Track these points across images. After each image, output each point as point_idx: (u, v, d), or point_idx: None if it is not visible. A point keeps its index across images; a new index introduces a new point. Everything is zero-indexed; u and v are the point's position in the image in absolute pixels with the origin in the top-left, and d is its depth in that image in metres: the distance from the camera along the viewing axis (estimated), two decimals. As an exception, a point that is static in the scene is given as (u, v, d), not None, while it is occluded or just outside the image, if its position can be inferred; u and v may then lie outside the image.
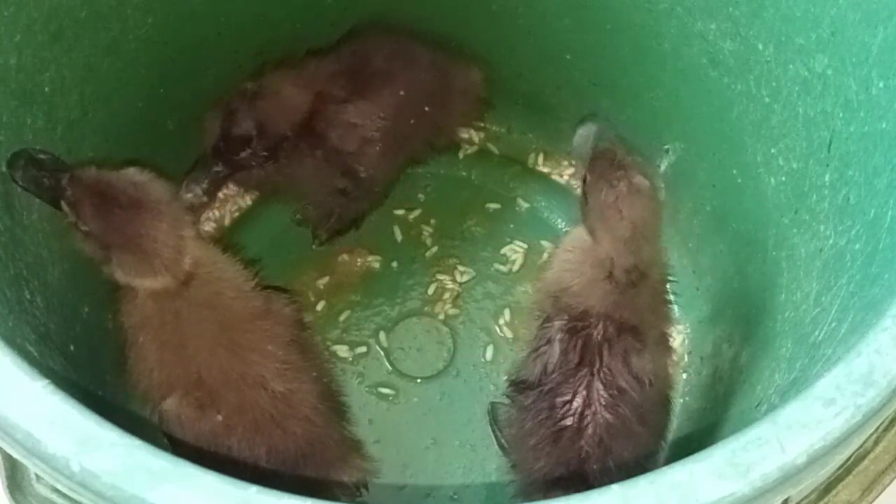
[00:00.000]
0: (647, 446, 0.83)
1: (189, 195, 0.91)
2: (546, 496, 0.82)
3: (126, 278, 0.80)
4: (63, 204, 0.78)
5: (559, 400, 0.81)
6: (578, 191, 0.83)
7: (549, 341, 0.82)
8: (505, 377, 0.91)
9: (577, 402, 0.81)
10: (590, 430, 0.81)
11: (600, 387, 0.81)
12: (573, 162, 1.08)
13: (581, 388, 0.81)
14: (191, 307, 0.81)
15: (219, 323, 0.81)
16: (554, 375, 0.82)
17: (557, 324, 0.82)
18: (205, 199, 0.94)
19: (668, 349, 0.86)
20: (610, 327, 0.81)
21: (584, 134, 0.83)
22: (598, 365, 0.81)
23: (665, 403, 0.86)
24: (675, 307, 1.01)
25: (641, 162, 0.82)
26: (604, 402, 0.81)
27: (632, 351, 0.81)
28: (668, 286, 0.87)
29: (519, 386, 0.85)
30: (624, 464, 0.81)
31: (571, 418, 0.81)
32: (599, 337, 0.81)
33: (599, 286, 0.80)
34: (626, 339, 0.81)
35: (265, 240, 1.05)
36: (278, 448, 0.82)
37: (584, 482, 0.81)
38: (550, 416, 0.82)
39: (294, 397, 0.83)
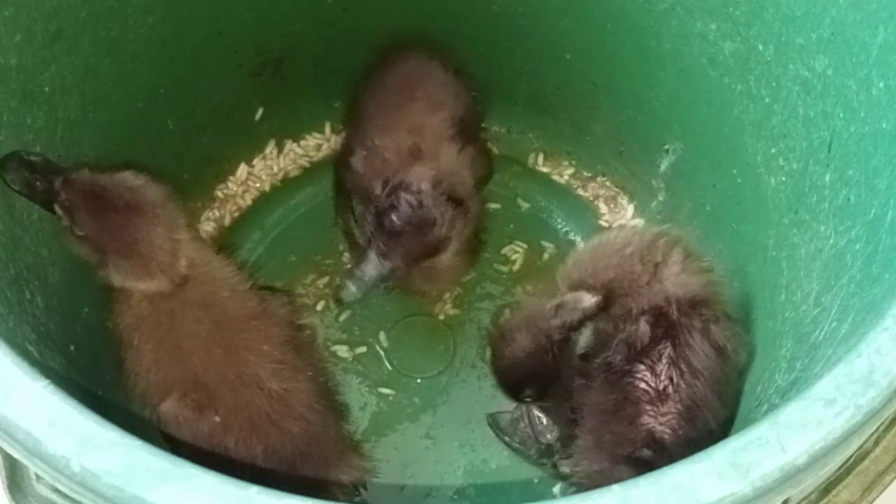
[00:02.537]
0: (722, 416, 0.83)
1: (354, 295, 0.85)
2: (611, 466, 0.82)
3: (121, 281, 0.80)
4: (56, 207, 0.78)
5: (642, 368, 0.81)
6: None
7: (635, 320, 0.83)
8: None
9: (660, 371, 0.81)
10: (674, 398, 0.81)
11: (682, 359, 0.81)
12: (573, 162, 1.08)
13: (664, 359, 0.81)
14: (185, 308, 0.81)
15: (214, 323, 0.81)
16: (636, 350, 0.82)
17: (636, 309, 0.83)
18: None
19: (736, 321, 0.86)
20: (684, 304, 0.82)
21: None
22: (680, 339, 0.81)
23: (738, 376, 0.86)
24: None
25: None
26: (685, 376, 0.81)
27: (710, 320, 0.82)
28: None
29: (589, 359, 0.85)
30: (701, 435, 0.81)
31: (654, 383, 0.81)
32: (675, 314, 0.82)
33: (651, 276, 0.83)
34: (702, 312, 0.82)
35: (265, 240, 1.05)
36: (275, 447, 0.82)
37: (664, 452, 0.80)
38: (632, 382, 0.81)
39: (290, 396, 0.83)
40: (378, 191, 0.86)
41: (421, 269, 0.89)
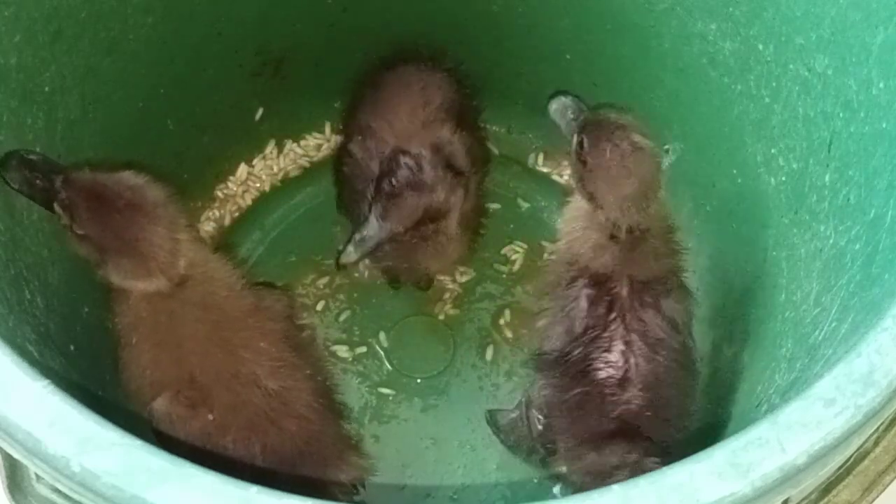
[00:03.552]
0: (688, 389, 0.84)
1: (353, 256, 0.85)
2: (599, 456, 0.82)
3: (121, 281, 0.80)
4: (56, 206, 0.78)
5: (597, 354, 0.82)
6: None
7: (575, 299, 0.83)
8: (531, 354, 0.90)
9: (616, 355, 0.81)
10: (636, 380, 0.81)
11: (636, 338, 0.81)
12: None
13: (618, 341, 0.81)
14: (184, 307, 0.81)
15: (212, 322, 0.81)
16: (584, 335, 0.82)
17: (581, 282, 0.83)
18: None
19: (688, 292, 0.87)
20: (634, 282, 0.82)
21: (560, 105, 0.85)
22: (629, 317, 0.81)
23: (693, 344, 0.87)
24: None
25: (635, 120, 0.83)
26: (643, 353, 0.81)
27: (661, 296, 0.82)
28: (674, 235, 0.87)
29: (547, 356, 0.85)
30: (672, 409, 0.82)
31: (613, 370, 0.81)
32: (626, 292, 0.82)
33: (608, 248, 0.81)
34: (652, 289, 0.82)
35: (265, 240, 1.05)
36: (274, 446, 0.82)
37: (636, 434, 0.81)
38: (590, 372, 0.82)
39: (288, 395, 0.83)
40: (376, 169, 0.87)
41: (422, 245, 0.90)
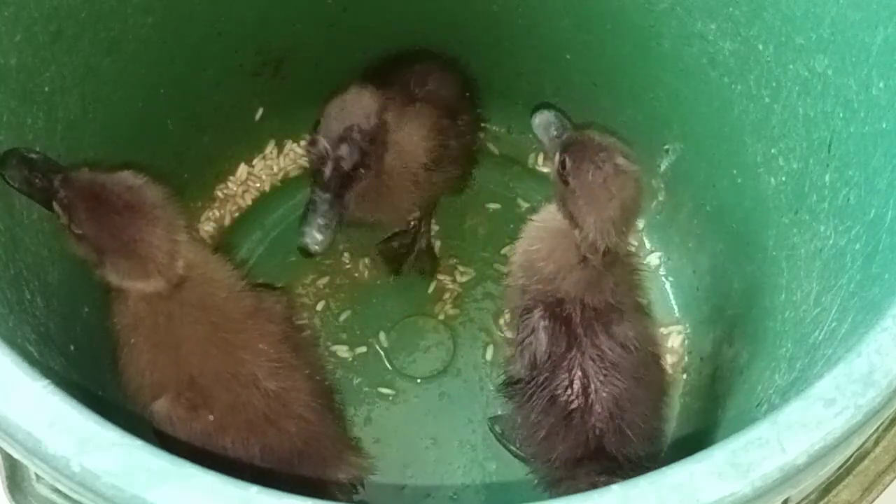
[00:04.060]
0: (652, 405, 0.85)
1: (318, 241, 0.86)
2: (573, 480, 0.83)
3: (119, 281, 0.80)
4: (55, 205, 0.78)
5: (558, 385, 0.83)
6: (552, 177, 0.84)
7: (532, 331, 0.83)
8: (501, 378, 0.92)
9: (576, 384, 0.82)
10: (597, 407, 0.82)
11: (591, 364, 0.82)
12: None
13: (576, 369, 0.82)
14: (183, 308, 0.81)
15: (211, 323, 0.81)
16: (546, 364, 0.83)
17: (538, 313, 0.83)
18: (330, 240, 0.87)
19: (645, 314, 0.88)
20: (587, 308, 0.82)
21: (543, 121, 0.85)
22: (584, 344, 0.82)
23: (656, 361, 0.88)
24: (675, 307, 1.01)
25: (618, 142, 0.83)
26: (601, 378, 0.82)
27: (612, 322, 0.83)
28: (633, 257, 0.88)
29: (514, 385, 0.86)
30: (637, 427, 0.83)
31: (576, 400, 0.82)
32: (579, 318, 0.82)
33: (573, 271, 0.82)
34: (604, 315, 0.83)
35: (265, 240, 1.05)
36: (273, 447, 0.82)
37: (604, 455, 0.82)
38: (554, 403, 0.83)
39: (287, 395, 0.83)
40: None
41: (368, 202, 0.92)
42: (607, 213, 0.79)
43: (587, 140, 0.82)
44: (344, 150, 0.86)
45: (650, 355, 0.86)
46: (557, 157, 0.82)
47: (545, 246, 0.84)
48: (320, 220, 0.86)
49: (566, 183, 0.81)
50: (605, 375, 0.82)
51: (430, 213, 1.05)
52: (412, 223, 1.04)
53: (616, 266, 0.83)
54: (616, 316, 0.83)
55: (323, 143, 0.87)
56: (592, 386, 0.82)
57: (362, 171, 0.88)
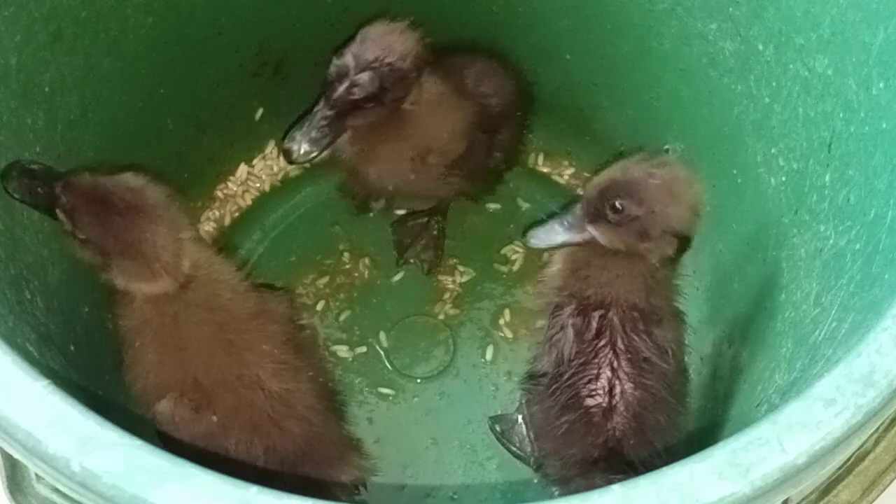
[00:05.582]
0: (676, 413, 0.85)
1: (302, 152, 0.85)
2: (585, 479, 0.82)
3: (126, 283, 0.80)
4: (58, 212, 0.78)
5: (584, 382, 0.82)
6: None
7: (562, 328, 0.83)
8: (524, 371, 0.92)
9: (603, 382, 0.82)
10: (621, 407, 0.82)
11: (625, 363, 0.82)
12: (573, 162, 1.08)
13: (605, 368, 0.82)
14: (189, 309, 0.81)
15: (216, 324, 0.81)
16: (573, 361, 0.82)
17: (568, 310, 0.83)
18: (314, 154, 0.86)
19: (682, 321, 0.88)
20: (632, 309, 0.82)
21: (549, 227, 0.84)
22: (620, 343, 0.82)
23: (685, 371, 0.88)
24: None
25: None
26: (631, 378, 0.82)
27: (652, 324, 0.82)
28: (676, 265, 0.88)
29: (538, 378, 0.86)
30: (659, 432, 0.83)
31: (600, 398, 0.82)
32: (618, 318, 0.82)
33: (634, 280, 0.82)
34: (647, 316, 0.82)
35: (265, 240, 1.05)
36: (276, 448, 0.82)
37: (621, 459, 0.82)
38: (577, 400, 0.82)
39: (291, 397, 0.83)
40: None
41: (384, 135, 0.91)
42: (688, 201, 0.79)
43: (618, 180, 0.81)
44: (365, 77, 0.84)
45: (682, 364, 0.86)
46: (597, 223, 0.81)
47: (597, 258, 0.83)
48: (313, 133, 0.85)
49: (635, 218, 0.79)
50: (637, 377, 0.81)
51: (446, 207, 1.04)
52: (428, 210, 1.03)
53: (664, 269, 0.83)
54: (658, 319, 0.83)
55: (350, 61, 0.85)
56: (620, 387, 0.81)
57: (372, 105, 0.86)
